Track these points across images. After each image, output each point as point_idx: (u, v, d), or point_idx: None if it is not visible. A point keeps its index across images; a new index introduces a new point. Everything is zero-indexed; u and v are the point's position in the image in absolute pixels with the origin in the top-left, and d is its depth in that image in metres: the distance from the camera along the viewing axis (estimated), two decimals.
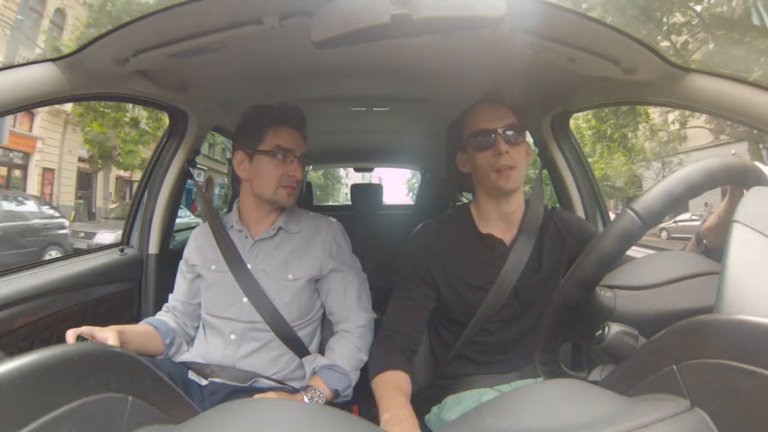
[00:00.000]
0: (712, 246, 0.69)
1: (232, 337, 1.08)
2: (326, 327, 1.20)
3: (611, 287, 0.56)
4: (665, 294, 0.54)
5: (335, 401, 1.02)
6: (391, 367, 0.90)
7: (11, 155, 11.35)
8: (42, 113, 11.33)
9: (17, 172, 11.62)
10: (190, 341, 1.18)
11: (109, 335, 0.90)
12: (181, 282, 1.19)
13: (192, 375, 1.09)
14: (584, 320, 0.55)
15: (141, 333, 1.06)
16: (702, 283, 0.53)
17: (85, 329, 0.88)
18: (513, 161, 0.94)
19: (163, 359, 1.09)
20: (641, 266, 0.58)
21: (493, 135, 0.95)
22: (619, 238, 0.50)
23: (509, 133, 0.95)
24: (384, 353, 0.95)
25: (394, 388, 0.85)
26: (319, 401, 0.97)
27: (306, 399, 0.96)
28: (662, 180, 0.52)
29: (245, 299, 1.08)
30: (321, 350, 1.16)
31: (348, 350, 1.07)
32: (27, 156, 11.67)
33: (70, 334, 0.87)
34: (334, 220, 1.21)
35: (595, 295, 0.55)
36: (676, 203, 0.51)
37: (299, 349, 1.10)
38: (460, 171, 1.06)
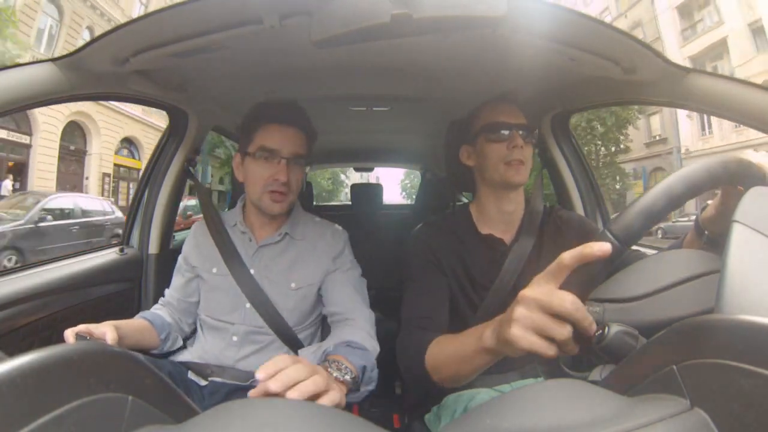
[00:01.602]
0: (713, 235, 0.67)
1: (234, 339, 1.08)
2: (326, 329, 1.19)
3: (600, 301, 0.55)
4: (655, 304, 0.53)
5: (359, 393, 0.79)
6: (436, 337, 0.83)
7: None
8: None
9: None
10: (186, 337, 1.17)
11: (106, 330, 0.89)
12: (177, 279, 1.18)
13: (192, 375, 1.08)
14: (574, 336, 0.55)
15: (137, 328, 1.05)
16: (691, 287, 0.51)
17: (82, 327, 0.87)
18: (524, 157, 0.96)
19: (163, 359, 1.09)
20: (631, 275, 0.57)
21: (510, 129, 0.97)
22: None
23: (523, 132, 0.98)
24: (419, 336, 0.86)
25: (459, 335, 0.73)
26: (347, 376, 0.73)
27: (332, 372, 0.72)
28: (641, 196, 0.51)
29: (248, 305, 1.07)
30: None
31: (360, 332, 0.96)
32: None
33: (69, 334, 0.86)
34: (340, 228, 1.19)
35: None
36: (657, 219, 0.50)
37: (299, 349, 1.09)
38: (460, 168, 1.06)
